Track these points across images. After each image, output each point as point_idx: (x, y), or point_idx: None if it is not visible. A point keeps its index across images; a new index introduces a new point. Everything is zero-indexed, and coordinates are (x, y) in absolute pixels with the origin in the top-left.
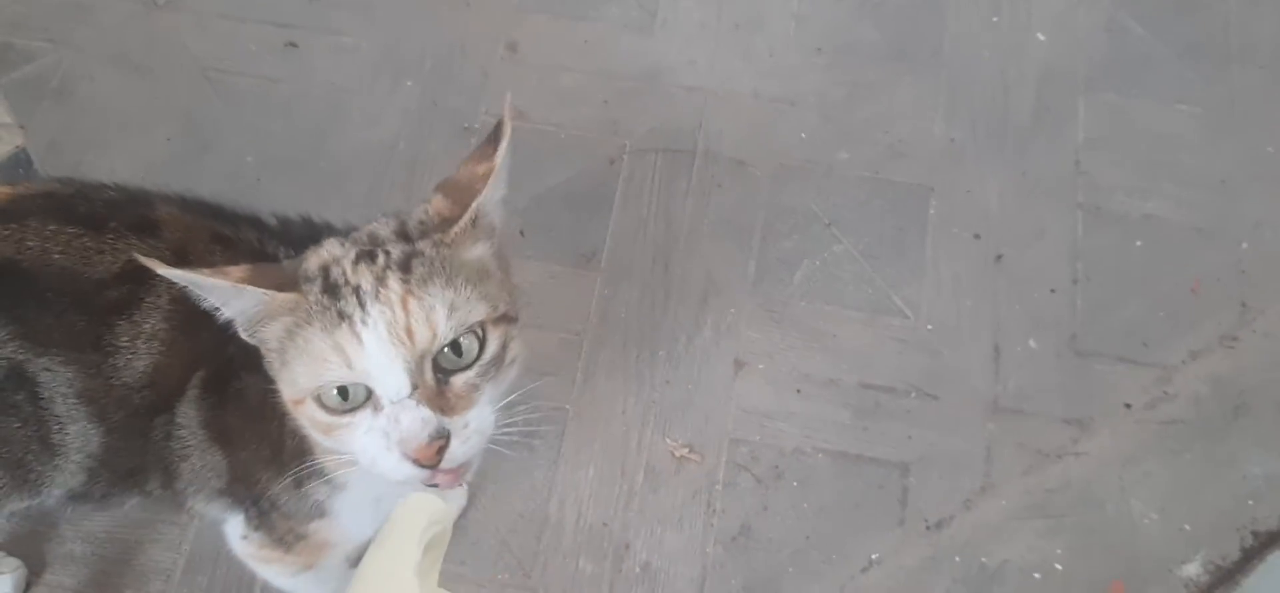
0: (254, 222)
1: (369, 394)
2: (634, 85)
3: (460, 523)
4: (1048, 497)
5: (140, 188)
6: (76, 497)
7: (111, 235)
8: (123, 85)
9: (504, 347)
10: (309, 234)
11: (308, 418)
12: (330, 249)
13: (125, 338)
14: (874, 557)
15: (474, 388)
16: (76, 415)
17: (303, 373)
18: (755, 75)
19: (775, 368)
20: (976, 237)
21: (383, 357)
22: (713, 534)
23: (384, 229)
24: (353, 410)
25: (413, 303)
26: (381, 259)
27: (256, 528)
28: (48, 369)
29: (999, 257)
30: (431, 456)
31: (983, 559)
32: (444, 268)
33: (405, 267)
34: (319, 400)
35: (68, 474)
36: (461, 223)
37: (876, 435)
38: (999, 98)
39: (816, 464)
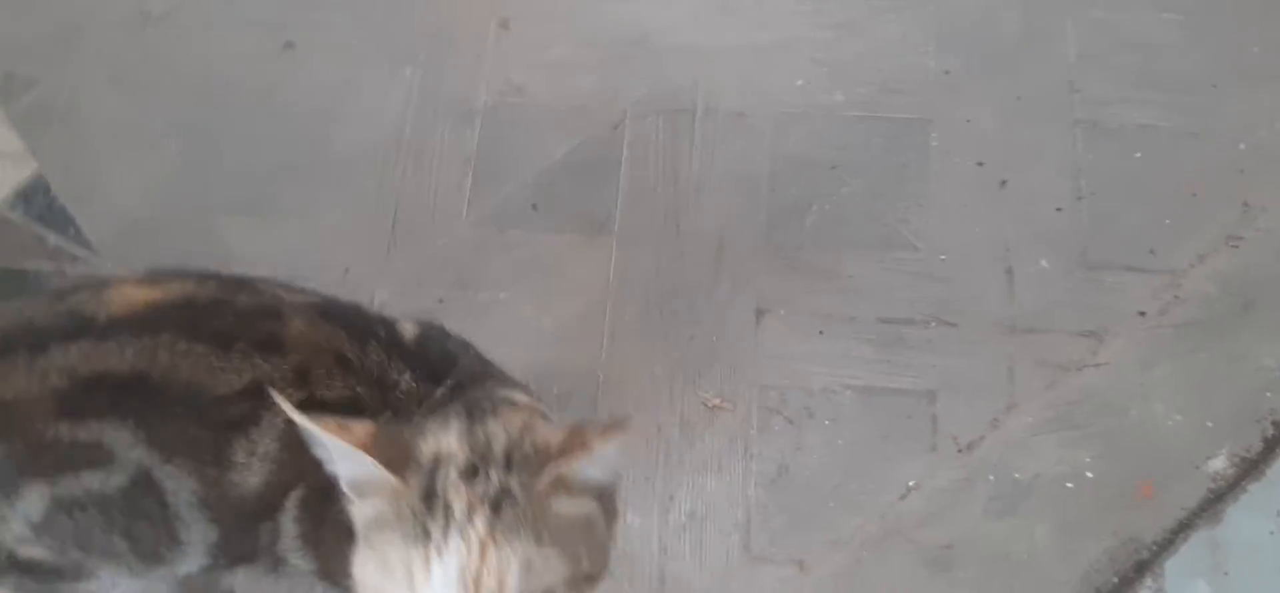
0: (388, 336)
1: None
2: (627, 51)
3: None
4: (1071, 409)
5: (273, 296)
6: (207, 570)
7: (237, 355)
8: (126, 103)
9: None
10: (443, 359)
11: None
12: (449, 439)
13: (242, 455)
14: (911, 483)
15: None
16: (197, 519)
17: (373, 573)
18: (743, 27)
19: (795, 312)
20: (979, 164)
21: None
22: (753, 478)
23: (502, 438)
24: None
25: (491, 552)
26: (481, 486)
27: None
28: (173, 477)
29: (1003, 182)
30: None
31: (1016, 475)
32: (533, 520)
33: (496, 506)
34: None
35: (193, 559)
36: (542, 482)
37: (900, 367)
38: (988, 24)
39: (845, 401)
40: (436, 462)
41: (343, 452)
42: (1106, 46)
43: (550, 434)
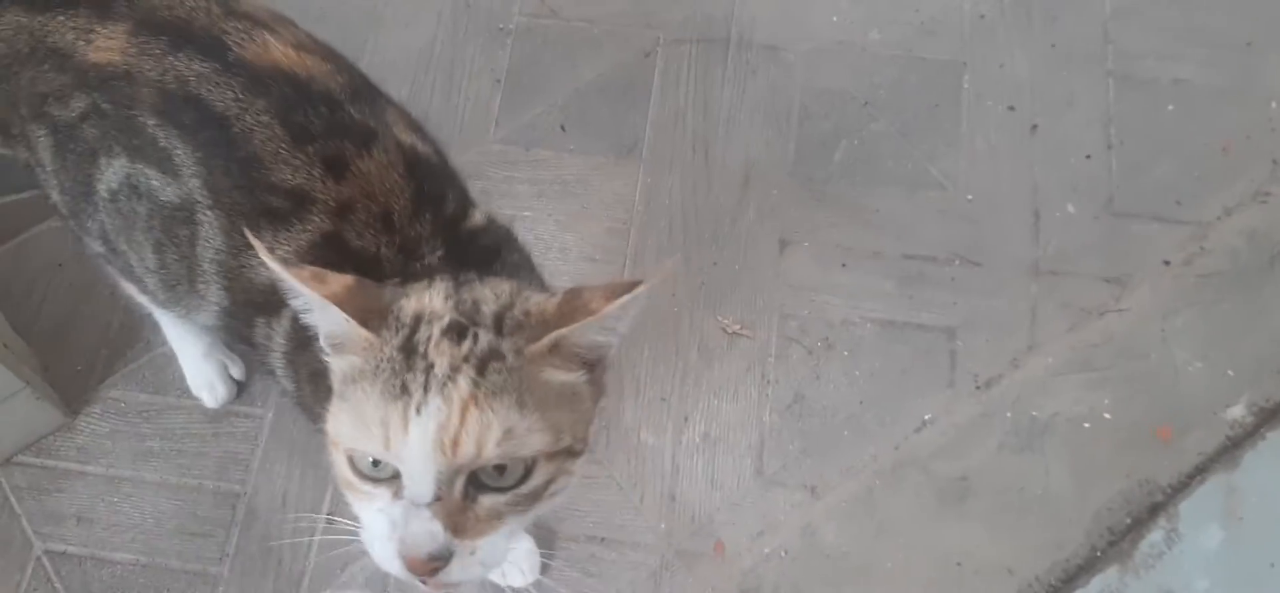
0: (453, 213)
1: (396, 475)
2: None
3: None
4: (1092, 352)
5: (377, 126)
6: (212, 329)
7: (303, 156)
8: None
9: (550, 481)
10: (482, 254)
11: (336, 463)
12: (434, 299)
13: (265, 243)
14: (927, 417)
15: (498, 515)
16: (214, 278)
17: (347, 426)
18: None
19: (819, 244)
20: (1011, 108)
21: (421, 454)
22: (768, 404)
23: (491, 302)
24: (376, 483)
25: (472, 413)
26: (468, 343)
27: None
28: (209, 224)
29: (1033, 126)
30: (425, 569)
31: (1033, 413)
32: (518, 385)
33: (482, 367)
34: (350, 459)
35: (207, 314)
36: (538, 346)
37: (922, 303)
38: None
39: (865, 333)
40: (418, 319)
41: (318, 303)
42: (1144, 1)
43: (546, 301)
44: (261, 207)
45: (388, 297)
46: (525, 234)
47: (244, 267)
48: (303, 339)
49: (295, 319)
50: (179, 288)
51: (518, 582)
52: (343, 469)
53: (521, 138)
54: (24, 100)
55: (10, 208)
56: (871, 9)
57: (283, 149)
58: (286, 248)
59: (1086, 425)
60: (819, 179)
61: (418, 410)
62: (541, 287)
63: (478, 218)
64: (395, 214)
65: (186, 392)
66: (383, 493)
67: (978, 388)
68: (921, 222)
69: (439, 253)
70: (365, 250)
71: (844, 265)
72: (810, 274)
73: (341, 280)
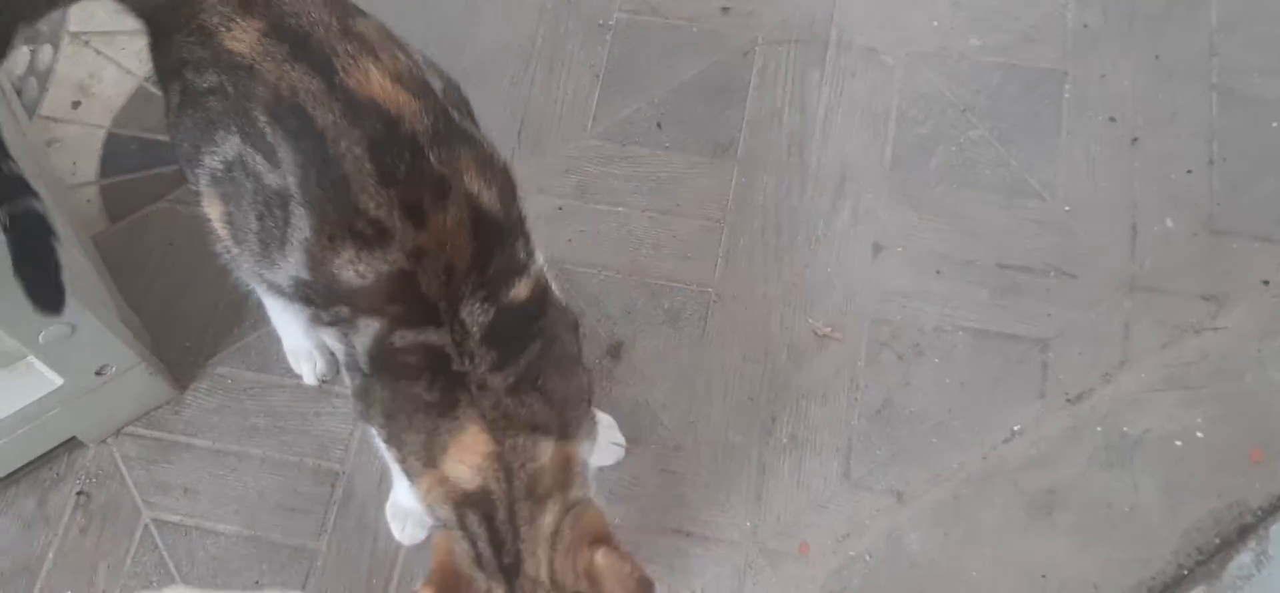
0: (506, 272)
1: None
2: None
3: (618, 397)
4: (1186, 369)
5: (453, 177)
6: (294, 298)
7: (386, 193)
8: None
9: None
10: (516, 339)
11: None
12: None
13: (346, 256)
14: (1016, 428)
15: None
16: (298, 254)
17: None
18: None
19: (913, 250)
20: (1111, 120)
21: None
22: (857, 408)
23: None
24: None
25: None
26: None
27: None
28: (300, 215)
29: (1134, 139)
30: None
31: (1124, 428)
32: None
33: None
34: None
35: (283, 275)
36: None
37: (1015, 313)
38: None
39: (957, 341)
40: None
41: None
42: (1250, 15)
43: (581, 585)
44: (348, 223)
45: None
46: (620, 230)
47: (327, 260)
48: (383, 368)
49: (375, 335)
50: (269, 250)
51: (610, 460)
52: None
53: (618, 133)
54: (174, 57)
55: (124, 187)
56: (973, 15)
57: (369, 182)
58: (368, 267)
59: (1178, 443)
60: (915, 184)
61: None
62: (579, 349)
63: (523, 289)
64: (457, 271)
65: (289, 371)
66: None
67: (1068, 401)
68: (1018, 231)
69: (487, 319)
70: (429, 298)
71: (938, 272)
72: (903, 280)
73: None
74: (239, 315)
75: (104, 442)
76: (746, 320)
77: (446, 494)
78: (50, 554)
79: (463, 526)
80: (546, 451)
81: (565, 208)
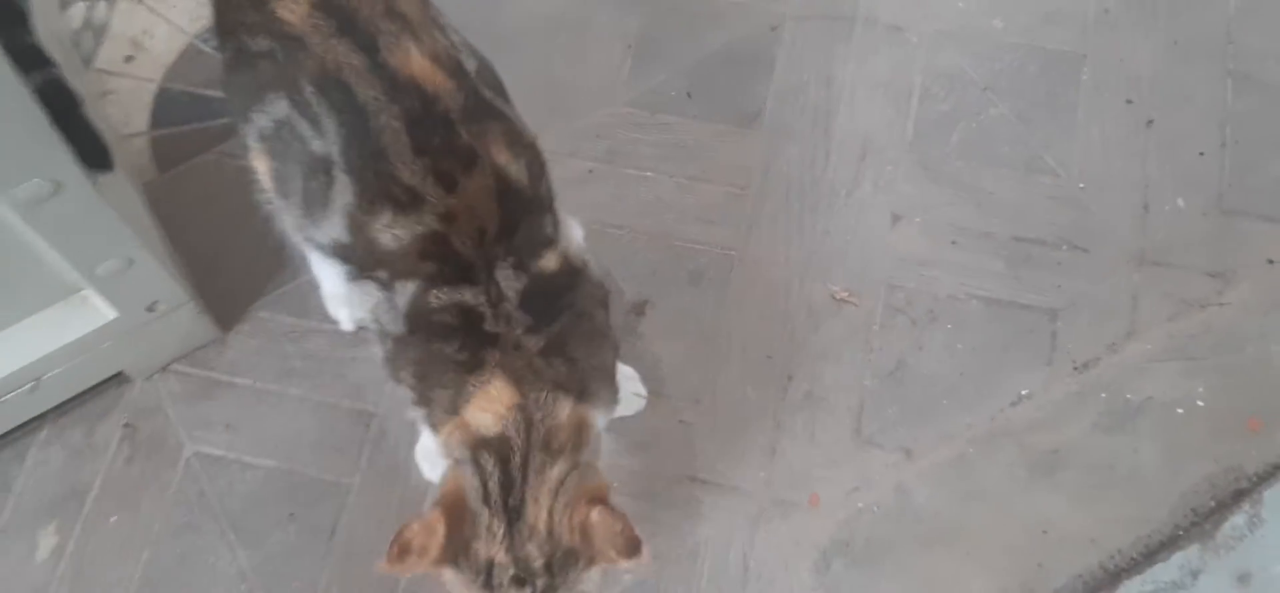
0: (535, 242)
1: None
2: None
3: (641, 352)
4: (1190, 341)
5: (481, 149)
6: (332, 256)
7: (421, 162)
8: None
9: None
10: (564, 287)
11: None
12: (501, 552)
13: (383, 222)
14: (1024, 392)
15: None
16: (338, 217)
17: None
18: None
19: (931, 221)
20: (1128, 102)
21: None
22: (870, 369)
23: (539, 557)
24: None
25: None
26: (529, 589)
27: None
28: (342, 182)
29: (1149, 121)
30: None
31: (1128, 395)
32: None
33: None
34: None
35: (325, 235)
36: (582, 577)
37: (1028, 284)
38: None
39: (970, 309)
40: (490, 565)
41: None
42: (1267, 3)
43: (579, 538)
44: (386, 192)
45: (468, 532)
46: (647, 194)
47: (366, 225)
48: (418, 327)
49: (411, 296)
50: (312, 210)
51: (631, 411)
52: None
53: (648, 102)
54: (231, 17)
55: (173, 139)
56: None
57: (405, 153)
58: (404, 229)
59: (1179, 411)
60: (935, 158)
61: None
62: (607, 323)
63: (551, 261)
64: (487, 234)
65: (327, 317)
66: None
67: (1075, 369)
68: (1033, 206)
69: (520, 286)
70: (463, 257)
71: (954, 243)
72: (920, 249)
73: (438, 543)
74: (280, 263)
75: (150, 378)
76: (767, 283)
77: (466, 438)
78: (97, 483)
79: (476, 464)
80: (566, 410)
81: (595, 171)
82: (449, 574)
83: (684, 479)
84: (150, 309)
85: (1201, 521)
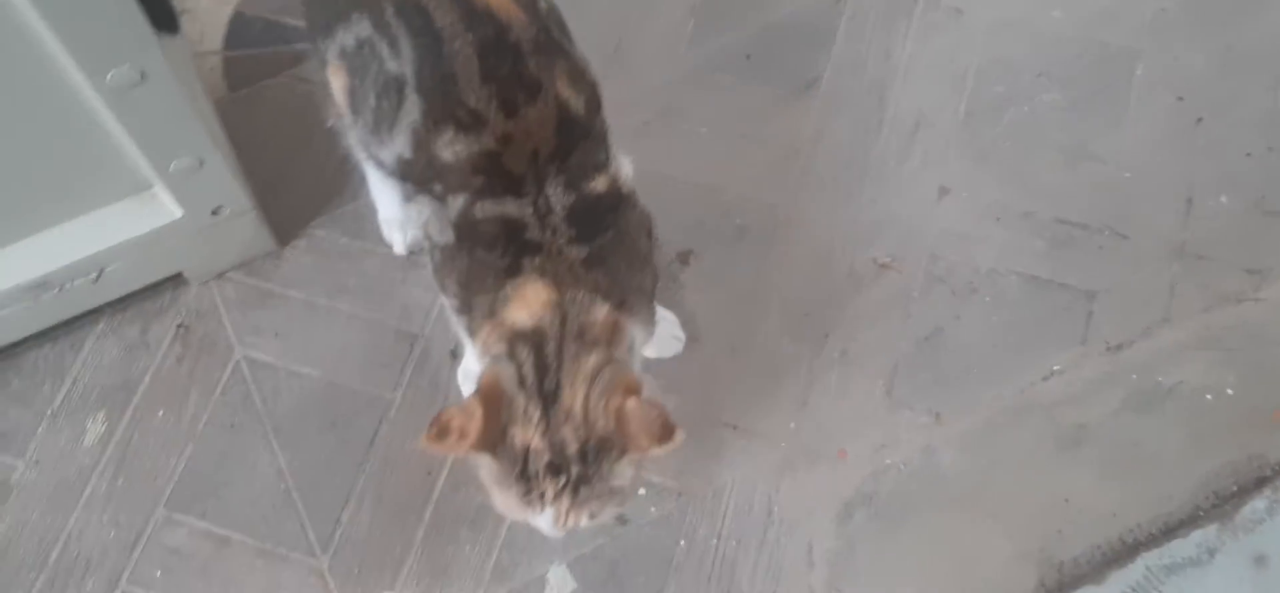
0: (587, 166)
1: None
2: None
3: (682, 300)
4: (1224, 333)
5: (545, 79)
6: (393, 173)
7: (487, 88)
8: None
9: (619, 507)
10: (597, 220)
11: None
12: (537, 437)
13: (445, 139)
14: (1056, 368)
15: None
16: (404, 135)
17: (499, 499)
18: None
19: (977, 197)
20: (1179, 99)
21: (545, 526)
22: (907, 334)
23: (574, 441)
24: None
25: (571, 517)
26: (564, 479)
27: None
28: (413, 100)
29: (1198, 119)
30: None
31: (1159, 378)
32: (600, 495)
33: (575, 490)
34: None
35: (389, 153)
36: (616, 466)
37: (1067, 265)
38: None
39: (1009, 284)
40: (526, 453)
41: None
42: None
43: (608, 427)
44: (451, 113)
45: (505, 418)
46: (700, 150)
47: (430, 141)
48: (465, 236)
49: (460, 210)
50: (380, 128)
51: (669, 353)
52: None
53: (709, 63)
54: None
55: (245, 61)
56: None
57: (474, 79)
58: (463, 147)
59: (1208, 397)
60: (985, 138)
61: (539, 513)
62: (650, 250)
63: (601, 184)
64: (541, 155)
65: (381, 241)
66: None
67: (1108, 349)
68: (1078, 191)
69: (568, 202)
70: (513, 173)
71: (998, 219)
72: (964, 223)
73: (476, 427)
74: (340, 186)
75: (206, 283)
76: (810, 244)
77: (502, 335)
78: (147, 377)
79: (512, 355)
80: (602, 311)
81: (650, 124)
82: (487, 463)
83: (716, 423)
84: (215, 213)
85: (1222, 503)
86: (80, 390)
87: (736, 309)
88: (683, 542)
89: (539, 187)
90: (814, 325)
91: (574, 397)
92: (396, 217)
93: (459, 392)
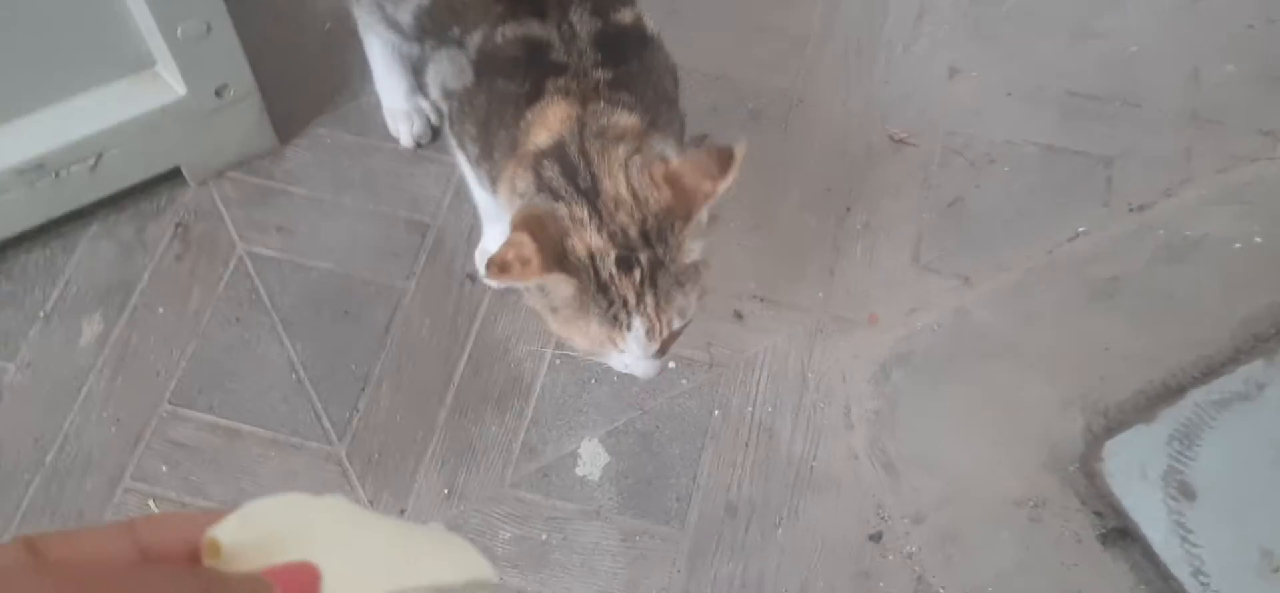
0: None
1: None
2: None
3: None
4: (1244, 188)
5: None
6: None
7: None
8: None
9: (701, 294)
10: (636, 41)
11: (574, 344)
12: (594, 234)
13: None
14: (1081, 229)
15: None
16: None
17: (581, 342)
18: None
19: (987, 75)
20: None
21: (638, 346)
22: (928, 205)
23: (633, 225)
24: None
25: (661, 316)
26: (638, 271)
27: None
28: None
29: None
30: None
31: (1186, 232)
32: (678, 279)
33: (654, 280)
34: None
35: (407, 11)
36: (676, 245)
37: (1082, 133)
38: None
39: (1026, 153)
40: (593, 257)
41: (536, 284)
42: None
43: (666, 196)
44: None
45: (558, 236)
46: (709, 35)
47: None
48: (484, 70)
49: (475, 56)
50: None
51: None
52: (579, 344)
53: None
54: None
55: None
56: None
57: None
58: (498, 34)
59: (1237, 245)
60: (990, 20)
61: (629, 328)
62: (676, 95)
63: (628, 16)
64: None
65: (387, 136)
66: (614, 356)
67: (1131, 211)
68: (1086, 67)
69: (594, 28)
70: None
71: (1009, 95)
72: (977, 98)
73: (534, 251)
74: (343, 85)
75: (205, 183)
76: (825, 124)
77: (526, 165)
78: (145, 276)
79: (538, 178)
80: (627, 120)
81: (659, 19)
82: (562, 286)
83: (744, 296)
84: (218, 94)
85: (1264, 342)
86: (74, 291)
87: (755, 188)
88: (717, 411)
89: (563, 11)
90: (835, 200)
91: (615, 182)
92: (402, 107)
93: (473, 285)
